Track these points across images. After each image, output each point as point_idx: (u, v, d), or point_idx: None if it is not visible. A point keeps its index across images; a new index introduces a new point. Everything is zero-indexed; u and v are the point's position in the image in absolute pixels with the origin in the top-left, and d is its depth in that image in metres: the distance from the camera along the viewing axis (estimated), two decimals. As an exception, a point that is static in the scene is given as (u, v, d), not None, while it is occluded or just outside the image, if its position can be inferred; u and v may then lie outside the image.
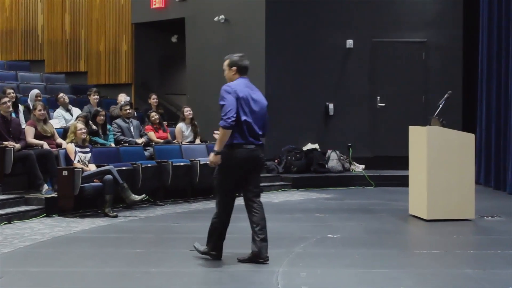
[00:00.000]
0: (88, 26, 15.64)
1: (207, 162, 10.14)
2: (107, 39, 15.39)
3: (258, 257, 5.85)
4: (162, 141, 10.92)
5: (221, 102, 5.76)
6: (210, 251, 5.98)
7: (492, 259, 6.16)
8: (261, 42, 12.72)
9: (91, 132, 9.86)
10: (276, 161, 12.46)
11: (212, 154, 5.76)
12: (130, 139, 10.57)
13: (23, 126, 9.47)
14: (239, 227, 7.89)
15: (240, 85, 5.84)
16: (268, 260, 5.85)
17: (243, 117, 5.76)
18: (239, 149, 5.75)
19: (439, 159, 8.09)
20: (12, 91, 10.35)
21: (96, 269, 5.78)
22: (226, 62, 5.99)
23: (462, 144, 8.19)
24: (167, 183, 9.82)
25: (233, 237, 7.20)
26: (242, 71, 5.93)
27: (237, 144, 5.75)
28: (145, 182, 9.41)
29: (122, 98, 12.38)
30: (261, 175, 6.09)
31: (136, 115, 11.95)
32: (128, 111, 10.87)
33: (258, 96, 5.99)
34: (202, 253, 6.02)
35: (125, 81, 15.20)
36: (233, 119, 5.66)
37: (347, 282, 5.33)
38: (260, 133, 5.92)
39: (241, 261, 5.92)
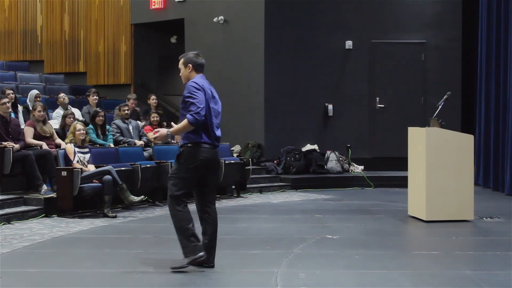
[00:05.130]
0: (88, 26, 15.63)
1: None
2: (106, 39, 15.38)
3: (206, 262, 5.62)
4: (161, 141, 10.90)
5: (190, 99, 5.50)
6: (195, 257, 5.58)
7: (491, 260, 6.17)
8: (260, 43, 12.73)
9: None
10: (275, 162, 12.46)
11: (164, 131, 5.65)
12: (129, 139, 10.57)
13: (22, 127, 9.46)
14: (238, 228, 7.90)
15: (204, 83, 5.71)
16: (213, 266, 5.65)
17: (209, 116, 5.60)
18: (204, 149, 5.59)
19: (438, 160, 8.10)
20: (11, 91, 10.36)
21: (95, 270, 5.77)
22: (181, 61, 5.81)
23: (461, 145, 8.20)
24: (166, 184, 9.78)
25: (233, 238, 7.21)
26: (198, 68, 5.77)
27: (202, 143, 5.58)
28: (144, 183, 9.41)
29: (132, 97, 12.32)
30: (218, 178, 5.88)
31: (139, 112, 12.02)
32: (126, 111, 10.87)
33: (216, 95, 5.84)
34: (187, 265, 5.60)
35: (124, 81, 15.20)
36: (204, 117, 5.50)
37: (346, 283, 5.33)
38: (220, 134, 5.76)
39: (189, 263, 5.58)
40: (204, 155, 5.59)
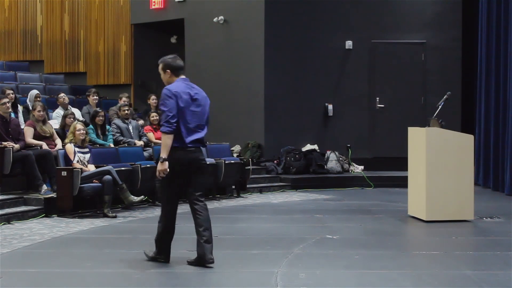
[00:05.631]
0: (87, 26, 15.63)
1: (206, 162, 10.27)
2: (106, 39, 15.38)
3: (203, 260, 5.73)
4: (161, 141, 10.89)
5: (162, 107, 5.67)
6: (157, 256, 5.92)
7: (491, 260, 6.17)
8: (260, 43, 12.73)
9: None
10: (275, 162, 12.46)
11: (159, 163, 5.65)
12: (129, 139, 10.57)
13: (22, 127, 9.46)
14: (237, 228, 7.91)
15: (180, 87, 5.73)
16: (212, 261, 5.73)
17: (182, 122, 5.67)
18: (180, 151, 5.68)
19: (438, 160, 8.10)
20: (11, 91, 10.36)
21: (95, 270, 5.78)
22: (160, 66, 5.88)
23: (461, 145, 8.20)
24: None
25: (233, 238, 7.21)
26: (177, 72, 5.83)
27: (177, 147, 5.67)
28: (144, 183, 9.41)
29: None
30: (204, 177, 5.94)
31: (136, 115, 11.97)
32: (126, 111, 10.88)
33: (200, 95, 5.85)
34: (151, 258, 5.93)
35: (124, 81, 15.19)
36: (175, 124, 5.61)
37: (346, 283, 5.33)
38: (201, 135, 5.81)
39: (190, 263, 5.83)
40: (178, 158, 5.68)
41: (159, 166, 5.64)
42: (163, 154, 5.63)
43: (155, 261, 5.91)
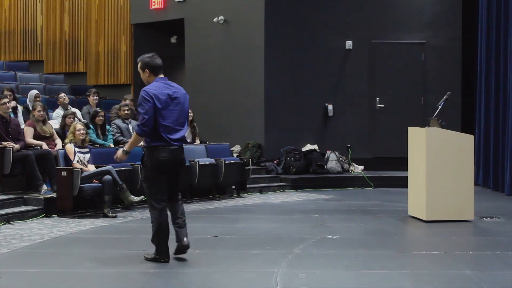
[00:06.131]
0: (87, 26, 15.64)
1: (206, 163, 10.29)
2: (106, 39, 15.39)
3: (179, 246, 5.92)
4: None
5: (139, 108, 5.78)
6: (156, 256, 5.93)
7: (491, 260, 6.17)
8: (260, 43, 12.74)
9: None
10: (275, 162, 12.46)
11: (120, 151, 6.00)
12: (129, 139, 10.55)
13: (22, 127, 9.45)
14: (237, 228, 7.91)
15: (158, 88, 5.80)
16: (188, 246, 5.91)
17: (162, 122, 5.76)
18: (163, 151, 5.80)
19: (438, 160, 8.10)
20: (9, 93, 10.21)
21: (95, 270, 5.77)
22: (138, 65, 5.96)
23: (461, 145, 8.20)
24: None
25: (233, 238, 7.21)
26: (155, 71, 5.89)
27: (157, 146, 5.80)
28: (144, 183, 9.39)
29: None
30: (183, 174, 6.18)
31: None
32: (126, 111, 10.88)
33: (179, 93, 5.93)
34: (151, 260, 5.95)
35: (124, 81, 15.20)
36: (150, 127, 5.72)
37: (346, 283, 5.33)
38: (183, 133, 5.92)
39: (174, 253, 5.96)
40: (159, 155, 5.80)
41: (119, 154, 6.01)
42: (127, 147, 5.97)
43: (156, 262, 5.91)
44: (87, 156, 9.06)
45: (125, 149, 5.96)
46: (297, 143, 12.77)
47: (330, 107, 13.08)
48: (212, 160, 10.45)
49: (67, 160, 8.85)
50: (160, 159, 5.79)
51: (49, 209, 8.57)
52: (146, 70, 5.90)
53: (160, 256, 5.91)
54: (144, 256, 6.02)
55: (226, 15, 13.25)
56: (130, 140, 6.00)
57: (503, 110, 11.29)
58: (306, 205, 9.90)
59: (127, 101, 11.77)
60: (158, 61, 5.92)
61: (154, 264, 5.90)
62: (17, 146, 8.85)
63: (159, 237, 5.89)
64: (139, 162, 9.47)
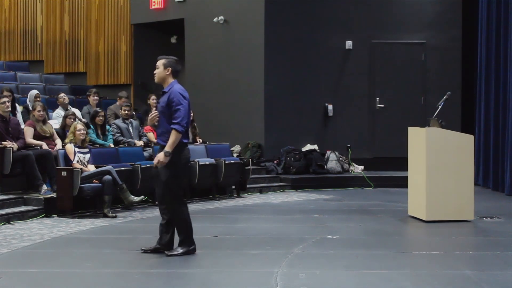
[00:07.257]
0: (87, 26, 15.63)
1: (206, 163, 10.29)
2: (106, 39, 15.38)
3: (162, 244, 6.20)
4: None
5: (178, 107, 6.01)
6: (189, 248, 6.15)
7: (491, 260, 6.17)
8: (260, 43, 12.73)
9: None
10: (275, 162, 12.46)
11: (162, 155, 5.95)
12: (129, 139, 10.57)
13: (22, 127, 9.45)
14: (237, 228, 7.91)
15: (185, 91, 6.17)
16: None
17: (188, 123, 6.16)
18: (186, 149, 6.14)
19: (438, 160, 8.10)
20: (8, 94, 10.17)
21: (95, 270, 5.78)
22: (162, 61, 6.19)
23: (461, 145, 8.20)
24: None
25: (233, 238, 7.22)
26: (176, 74, 6.21)
27: (185, 144, 6.11)
28: (144, 183, 9.40)
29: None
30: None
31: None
32: (127, 111, 10.88)
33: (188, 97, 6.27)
34: (181, 254, 6.11)
35: (124, 81, 15.19)
36: (188, 125, 6.08)
37: (346, 283, 5.33)
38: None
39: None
40: (186, 153, 6.13)
41: (162, 158, 5.95)
42: (169, 148, 5.95)
43: (186, 254, 6.10)
44: (87, 156, 9.05)
45: (167, 150, 5.97)
46: (297, 143, 12.77)
47: (330, 107, 13.08)
48: (212, 160, 10.45)
49: (67, 160, 8.85)
50: (188, 156, 6.18)
51: (49, 209, 8.57)
52: (169, 68, 6.17)
53: (192, 245, 6.16)
54: (170, 254, 6.12)
55: (226, 15, 13.25)
56: (170, 140, 5.96)
57: (503, 110, 11.29)
58: (306, 205, 9.90)
59: (123, 99, 11.75)
60: (180, 67, 6.31)
61: (154, 264, 5.90)
62: (17, 146, 8.83)
63: (191, 231, 6.17)
64: (139, 162, 9.55)
